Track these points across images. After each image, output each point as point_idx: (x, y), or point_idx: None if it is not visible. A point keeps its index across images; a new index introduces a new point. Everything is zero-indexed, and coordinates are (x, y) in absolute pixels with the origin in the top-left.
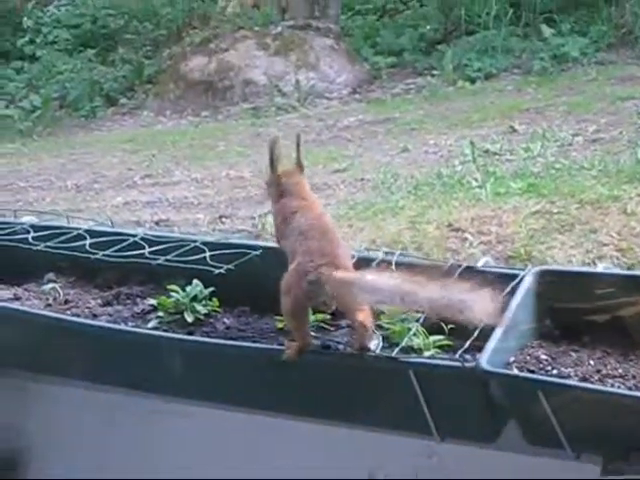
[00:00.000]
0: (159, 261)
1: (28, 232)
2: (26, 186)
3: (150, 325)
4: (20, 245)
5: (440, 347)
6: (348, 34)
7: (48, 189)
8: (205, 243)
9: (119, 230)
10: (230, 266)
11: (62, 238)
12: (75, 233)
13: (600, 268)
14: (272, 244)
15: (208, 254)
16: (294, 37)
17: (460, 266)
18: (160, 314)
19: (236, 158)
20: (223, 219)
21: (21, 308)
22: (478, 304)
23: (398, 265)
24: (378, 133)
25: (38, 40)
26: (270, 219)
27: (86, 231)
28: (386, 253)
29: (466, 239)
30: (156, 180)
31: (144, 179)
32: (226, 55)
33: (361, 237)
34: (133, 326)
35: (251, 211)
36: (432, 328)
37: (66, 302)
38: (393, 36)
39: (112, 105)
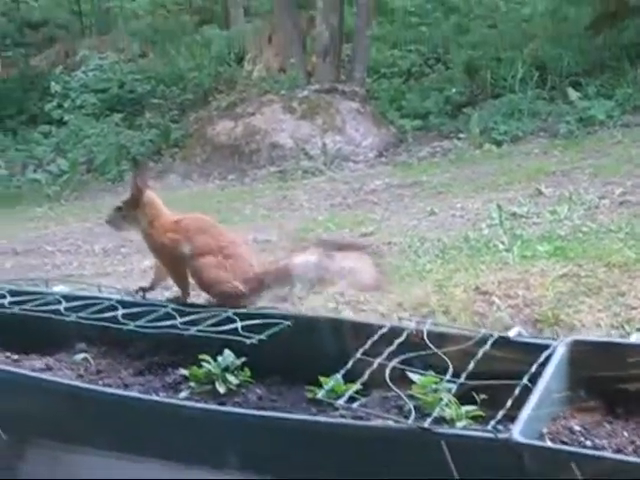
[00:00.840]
0: (191, 332)
1: (60, 302)
2: (54, 250)
3: (182, 395)
4: (52, 316)
5: (472, 418)
6: (374, 97)
7: (75, 253)
8: (237, 313)
9: (152, 300)
10: (262, 336)
11: (94, 309)
12: (107, 304)
13: (634, 338)
14: (303, 314)
15: (240, 324)
16: (320, 100)
17: (492, 335)
18: (192, 384)
19: (262, 222)
20: None
21: (52, 379)
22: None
23: (430, 334)
24: (405, 196)
25: (66, 104)
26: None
27: (118, 302)
28: (418, 322)
29: (493, 302)
30: None
31: None
32: (252, 119)
33: (388, 300)
34: (164, 396)
35: None
36: (464, 398)
37: (98, 372)
38: (419, 99)
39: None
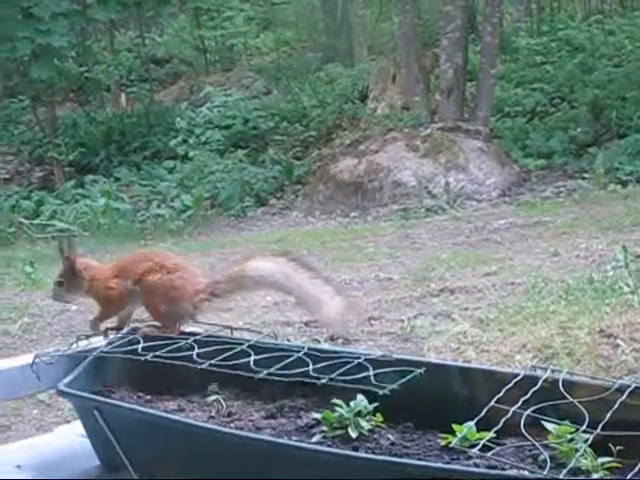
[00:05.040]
0: (323, 381)
1: (193, 348)
2: None
3: (314, 439)
4: (185, 364)
5: (608, 469)
6: (497, 136)
7: None
8: (368, 360)
9: (283, 345)
10: (394, 386)
11: (226, 354)
12: (239, 349)
13: None
14: (436, 360)
15: (372, 372)
16: (444, 139)
17: (629, 386)
18: (324, 428)
19: (385, 260)
20: (372, 321)
21: (186, 420)
22: (329, 308)
23: (565, 383)
24: (528, 236)
25: (190, 140)
26: (419, 322)
27: (250, 347)
28: (553, 371)
29: (618, 346)
30: None
31: None
32: (375, 156)
33: (511, 341)
34: (297, 440)
35: (400, 313)
36: (599, 449)
37: (229, 414)
38: (543, 138)
39: (262, 205)
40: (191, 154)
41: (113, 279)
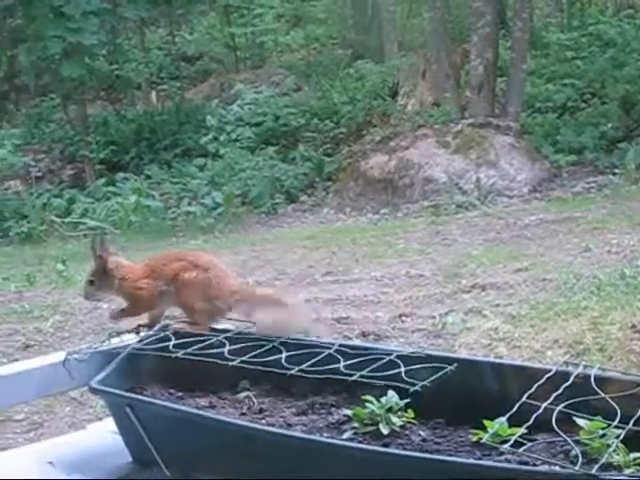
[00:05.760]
0: (354, 377)
1: (224, 345)
2: None
3: (345, 436)
4: (216, 360)
5: None
6: (528, 132)
7: None
8: (400, 357)
9: (314, 342)
10: (425, 383)
11: (258, 351)
12: (270, 346)
13: None
14: (467, 357)
15: (403, 369)
16: (474, 135)
17: None
18: (355, 425)
19: (415, 256)
20: (403, 318)
21: (216, 416)
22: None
23: (597, 378)
24: (559, 232)
25: (221, 138)
26: (450, 318)
27: (281, 343)
28: (584, 367)
29: None
30: (336, 277)
31: (324, 276)
32: (406, 153)
33: (543, 337)
34: (328, 437)
35: (431, 310)
36: (631, 445)
37: (261, 411)
38: (574, 134)
39: (292, 202)
40: (222, 151)
41: (144, 279)
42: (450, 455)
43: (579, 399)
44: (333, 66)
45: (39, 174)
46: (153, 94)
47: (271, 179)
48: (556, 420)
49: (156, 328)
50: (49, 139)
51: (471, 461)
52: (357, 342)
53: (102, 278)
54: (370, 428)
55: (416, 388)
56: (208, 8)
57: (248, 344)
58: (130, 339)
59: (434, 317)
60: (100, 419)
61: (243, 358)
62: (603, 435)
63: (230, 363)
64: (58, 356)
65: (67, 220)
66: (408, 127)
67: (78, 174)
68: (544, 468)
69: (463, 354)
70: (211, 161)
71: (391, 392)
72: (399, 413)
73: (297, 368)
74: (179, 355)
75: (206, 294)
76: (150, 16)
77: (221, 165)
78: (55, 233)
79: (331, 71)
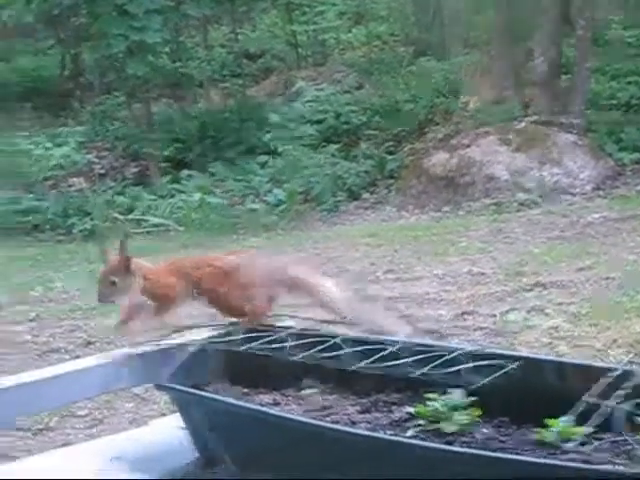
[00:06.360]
0: (417, 374)
1: (287, 341)
2: None
3: (408, 434)
4: (279, 355)
5: None
6: (591, 129)
7: None
8: (464, 354)
9: (377, 339)
10: (488, 380)
11: (320, 347)
12: (333, 342)
13: None
14: (531, 355)
15: (467, 366)
16: (537, 132)
17: None
18: (418, 422)
19: (477, 254)
20: (465, 316)
21: (280, 414)
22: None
23: None
24: (623, 230)
25: (283, 135)
26: (512, 317)
27: (344, 340)
28: None
29: None
30: (398, 275)
31: (386, 274)
32: (468, 151)
33: (605, 336)
34: (392, 434)
35: (492, 308)
36: None
37: (324, 408)
38: (638, 132)
39: (355, 199)
40: (284, 149)
41: (169, 278)
42: (513, 453)
43: None
44: (395, 64)
45: (102, 171)
46: (216, 92)
47: (333, 177)
48: (620, 420)
49: (222, 325)
50: (113, 136)
51: (534, 459)
52: (420, 340)
53: (125, 278)
54: (433, 426)
55: (478, 385)
56: (270, 5)
57: (312, 340)
58: (192, 336)
59: (495, 315)
60: (164, 415)
61: (307, 353)
62: None
63: (294, 359)
64: (120, 353)
65: (130, 217)
66: (470, 125)
67: (142, 171)
68: (608, 467)
69: (525, 352)
70: (273, 159)
71: (455, 390)
72: (462, 411)
73: (358, 364)
74: (243, 350)
75: (245, 295)
76: (213, 14)
77: (283, 162)
78: (118, 230)
79: (393, 69)
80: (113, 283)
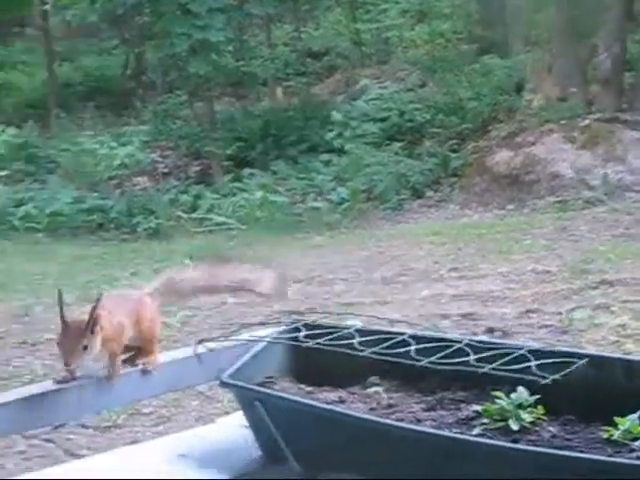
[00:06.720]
0: (484, 370)
1: (353, 337)
2: (333, 278)
3: (474, 432)
4: (346, 351)
5: None
6: None
7: (355, 281)
8: (531, 351)
9: (444, 336)
10: (556, 376)
11: (387, 344)
12: (400, 339)
13: None
14: (598, 352)
15: (533, 363)
16: (601, 130)
17: None
18: (484, 421)
19: (542, 252)
20: (530, 314)
21: (346, 411)
22: (263, 282)
23: None
24: None
25: (346, 133)
26: (577, 315)
27: (411, 337)
28: None
29: None
30: (462, 273)
31: (450, 272)
32: (532, 148)
33: None
34: (457, 432)
35: (558, 306)
36: None
37: (390, 406)
38: None
39: (418, 198)
40: (347, 147)
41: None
42: (581, 452)
43: None
44: (458, 61)
45: (166, 170)
46: (279, 90)
47: (396, 175)
48: None
49: (286, 322)
50: (176, 135)
51: (602, 458)
52: (487, 339)
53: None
54: (500, 424)
55: (547, 381)
56: (334, 4)
57: (378, 337)
58: (258, 333)
59: (561, 313)
60: (227, 413)
61: (373, 349)
62: None
63: (360, 353)
64: (187, 351)
65: (193, 216)
66: (534, 122)
67: (204, 170)
68: None
69: (592, 350)
70: (337, 157)
71: (521, 388)
72: (529, 409)
73: (426, 360)
74: (310, 345)
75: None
76: (276, 12)
77: (346, 161)
78: (182, 229)
79: (456, 66)
80: (85, 347)
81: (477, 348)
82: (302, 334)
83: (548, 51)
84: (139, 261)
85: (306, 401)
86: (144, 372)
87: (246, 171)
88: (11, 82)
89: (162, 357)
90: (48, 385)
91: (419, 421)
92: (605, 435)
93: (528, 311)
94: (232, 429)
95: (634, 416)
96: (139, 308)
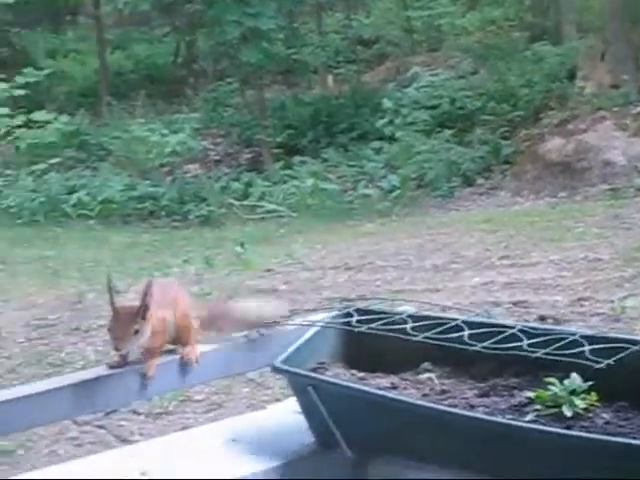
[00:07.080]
0: (537, 354)
1: (406, 322)
2: (385, 265)
3: (527, 418)
4: (399, 336)
5: None
6: None
7: (406, 268)
8: (584, 337)
9: (497, 322)
10: (610, 361)
11: (440, 329)
12: (453, 324)
13: None
14: None
15: (587, 348)
16: None
17: None
18: (537, 407)
19: (594, 240)
20: (582, 302)
21: (399, 397)
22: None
23: None
24: None
25: (397, 121)
26: (630, 302)
27: (464, 322)
28: None
29: None
30: (514, 261)
31: (502, 260)
32: (584, 136)
33: None
34: (510, 419)
35: (610, 294)
36: None
37: (442, 392)
38: None
39: (469, 185)
40: (398, 135)
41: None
42: (634, 438)
43: None
44: (510, 48)
45: (217, 158)
46: (330, 78)
47: (447, 162)
48: None
49: (338, 308)
50: (227, 123)
51: None
52: (540, 325)
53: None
54: (553, 410)
55: (601, 366)
56: None
57: (430, 322)
58: (311, 319)
59: (613, 301)
60: (278, 400)
61: (426, 334)
62: None
63: (413, 339)
64: (237, 337)
65: (245, 203)
66: (586, 110)
67: (255, 158)
68: None
69: None
70: (387, 144)
71: (574, 374)
72: (582, 395)
73: (479, 345)
74: (362, 330)
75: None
76: (327, 0)
77: (397, 148)
78: (233, 216)
79: (508, 54)
80: (136, 332)
81: (530, 334)
82: (354, 319)
83: (600, 38)
84: (190, 248)
85: (359, 387)
86: (185, 364)
87: (297, 159)
88: (63, 70)
89: (209, 345)
90: (100, 370)
91: (472, 407)
92: None
93: (580, 299)
94: (284, 415)
95: None
96: (177, 297)
